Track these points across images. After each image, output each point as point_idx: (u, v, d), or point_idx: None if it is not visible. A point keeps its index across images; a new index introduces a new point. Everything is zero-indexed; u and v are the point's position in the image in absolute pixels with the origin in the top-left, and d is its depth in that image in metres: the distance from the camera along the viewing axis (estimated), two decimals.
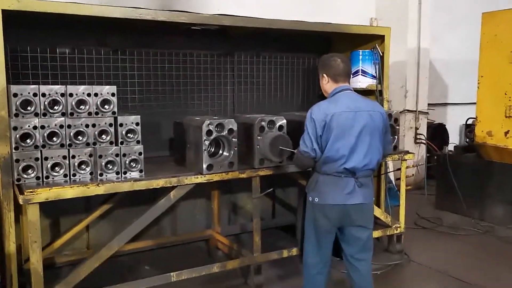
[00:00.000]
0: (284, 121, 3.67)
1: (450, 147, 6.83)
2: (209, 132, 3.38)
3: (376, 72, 4.73)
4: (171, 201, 3.39)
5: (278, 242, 4.65)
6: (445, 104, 8.38)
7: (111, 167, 3.26)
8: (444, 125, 7.88)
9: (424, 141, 7.07)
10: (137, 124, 3.33)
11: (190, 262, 4.07)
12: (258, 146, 3.57)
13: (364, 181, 2.93)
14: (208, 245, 4.52)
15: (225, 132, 3.45)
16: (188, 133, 3.59)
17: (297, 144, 3.53)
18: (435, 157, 6.64)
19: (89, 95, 3.19)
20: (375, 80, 4.74)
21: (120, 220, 4.29)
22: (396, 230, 4.55)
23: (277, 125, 3.64)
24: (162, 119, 4.36)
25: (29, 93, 3.04)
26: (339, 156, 2.86)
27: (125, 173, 3.29)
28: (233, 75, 4.78)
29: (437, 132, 7.63)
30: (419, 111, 7.04)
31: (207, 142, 3.38)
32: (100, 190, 3.08)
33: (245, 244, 4.36)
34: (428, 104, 7.27)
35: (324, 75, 3.07)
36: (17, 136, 3.00)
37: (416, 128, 7.02)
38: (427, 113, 7.20)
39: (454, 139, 8.21)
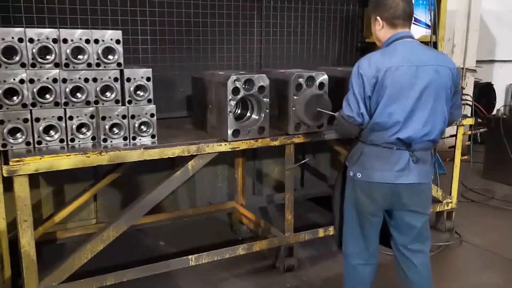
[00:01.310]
0: (326, 77, 3.02)
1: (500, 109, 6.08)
2: (236, 90, 2.76)
3: (430, 20, 3.98)
4: (189, 173, 2.82)
5: (308, 216, 4.13)
6: (492, 61, 7.53)
7: (117, 131, 2.69)
8: (492, 84, 7.07)
9: (470, 103, 6.31)
10: (148, 79, 2.72)
11: (210, 239, 3.60)
12: (293, 108, 2.95)
13: (421, 155, 2.32)
14: (231, 218, 3.99)
15: (254, 90, 2.82)
16: (209, 91, 2.97)
17: (340, 105, 2.92)
18: (483, 120, 5.92)
19: (87, 41, 2.57)
20: (429, 30, 4.00)
21: (132, 188, 3.79)
22: (447, 206, 3.95)
23: (317, 82, 2.99)
24: (178, 73, 3.76)
25: (13, 37, 2.43)
26: (392, 122, 2.24)
27: (134, 138, 2.72)
28: (261, 23, 4.09)
29: (484, 93, 6.84)
30: (466, 68, 6.25)
31: (232, 103, 2.76)
32: (103, 159, 2.53)
33: (273, 219, 3.84)
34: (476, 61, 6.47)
35: (378, 18, 2.38)
36: (0, 91, 2.44)
37: (462, 88, 6.25)
38: (475, 71, 6.41)
39: (500, 100, 7.41)
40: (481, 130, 5.93)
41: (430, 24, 3.99)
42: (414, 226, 2.39)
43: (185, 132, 3.09)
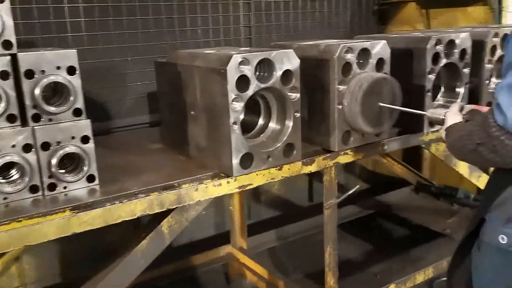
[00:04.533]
0: (387, 48, 1.77)
1: None
2: (244, 82, 1.47)
3: None
4: (164, 240, 1.53)
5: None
6: None
7: (16, 175, 1.37)
8: None
9: None
10: (71, 70, 1.40)
11: None
12: (339, 106, 1.70)
13: None
14: (227, 269, 2.71)
15: (275, 79, 1.54)
16: (190, 85, 1.66)
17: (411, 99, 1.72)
18: None
19: None
20: None
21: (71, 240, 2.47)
22: None
23: (374, 57, 1.74)
24: (132, 58, 2.47)
25: None
26: None
27: (52, 187, 1.40)
28: None
29: None
30: None
31: (238, 105, 1.48)
32: None
33: (291, 269, 2.60)
34: None
35: None
36: None
37: None
38: None
39: None
40: None
41: None
42: None
43: (150, 159, 1.77)
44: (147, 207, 1.40)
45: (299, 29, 3.09)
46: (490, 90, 2.18)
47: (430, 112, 1.50)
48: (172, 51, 2.05)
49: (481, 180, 2.41)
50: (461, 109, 1.40)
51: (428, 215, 3.02)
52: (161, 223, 1.49)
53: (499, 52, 2.13)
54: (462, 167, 2.31)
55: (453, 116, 1.38)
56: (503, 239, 1.23)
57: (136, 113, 2.47)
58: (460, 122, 1.33)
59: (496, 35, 2.09)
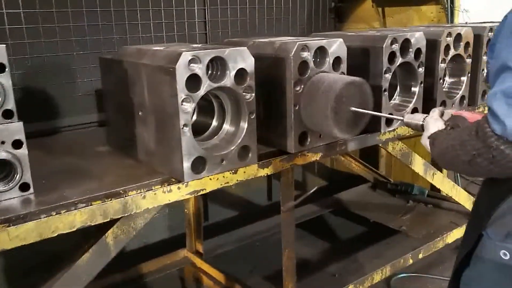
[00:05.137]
0: (343, 47, 1.72)
1: None
2: (194, 81, 1.38)
3: None
4: (109, 251, 1.42)
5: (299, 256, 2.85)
6: None
7: None
8: None
9: None
10: (0, 68, 1.26)
11: None
12: (296, 107, 1.63)
13: None
14: (182, 275, 2.61)
15: (228, 80, 1.45)
16: (137, 84, 1.54)
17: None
18: None
19: None
20: None
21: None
22: None
23: (331, 56, 1.69)
24: (78, 54, 2.32)
25: None
26: None
27: None
28: None
29: None
30: None
31: (189, 106, 1.38)
32: None
33: (247, 268, 2.54)
34: None
35: None
36: None
37: None
38: None
39: None
40: None
41: None
42: None
43: (95, 164, 1.64)
44: (89, 217, 1.29)
45: (256, 25, 3.03)
46: (444, 90, 2.20)
47: (407, 118, 1.43)
48: (119, 47, 1.92)
49: (435, 178, 2.43)
50: (442, 115, 1.33)
51: (385, 212, 3.03)
52: (106, 234, 1.38)
53: (452, 52, 2.14)
54: (418, 165, 2.31)
55: (434, 122, 1.31)
56: (505, 255, 1.17)
57: (83, 112, 2.32)
58: (444, 129, 1.26)
59: (449, 34, 2.09)
